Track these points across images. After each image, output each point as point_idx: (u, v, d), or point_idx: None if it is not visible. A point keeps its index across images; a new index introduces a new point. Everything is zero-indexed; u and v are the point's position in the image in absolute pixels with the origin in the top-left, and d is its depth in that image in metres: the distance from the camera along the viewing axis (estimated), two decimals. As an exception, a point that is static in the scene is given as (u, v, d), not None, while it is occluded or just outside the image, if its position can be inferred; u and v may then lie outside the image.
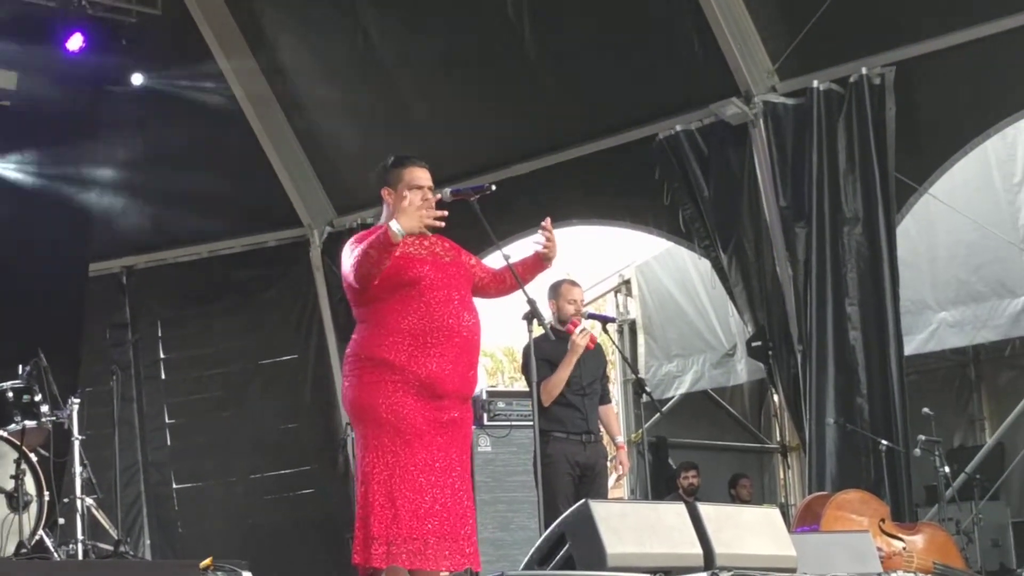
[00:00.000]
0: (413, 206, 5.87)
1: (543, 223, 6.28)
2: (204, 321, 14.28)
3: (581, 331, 8.29)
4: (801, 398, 10.92)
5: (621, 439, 8.85)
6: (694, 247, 11.93)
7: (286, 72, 13.71)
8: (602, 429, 8.66)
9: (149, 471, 14.02)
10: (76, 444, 9.35)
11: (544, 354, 8.16)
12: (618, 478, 8.94)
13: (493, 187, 6.30)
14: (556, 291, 8.57)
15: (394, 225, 5.74)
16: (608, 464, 8.67)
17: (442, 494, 5.84)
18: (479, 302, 6.19)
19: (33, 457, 8.78)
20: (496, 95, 12.74)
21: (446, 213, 5.96)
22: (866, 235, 10.75)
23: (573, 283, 8.70)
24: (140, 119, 13.18)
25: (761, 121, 11.11)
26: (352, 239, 6.02)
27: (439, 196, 6.13)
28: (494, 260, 6.64)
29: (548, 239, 6.26)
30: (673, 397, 15.51)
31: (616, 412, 10.10)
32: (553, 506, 7.79)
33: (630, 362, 15.11)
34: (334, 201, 13.98)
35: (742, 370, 15.01)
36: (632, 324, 15.86)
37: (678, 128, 11.59)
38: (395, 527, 5.73)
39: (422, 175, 6.09)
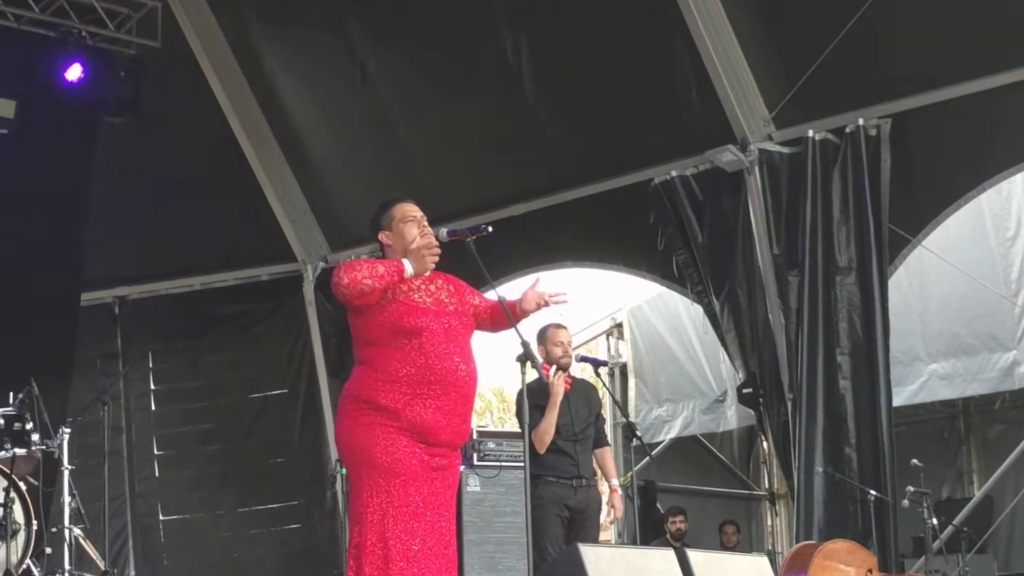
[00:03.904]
0: (419, 246, 5.95)
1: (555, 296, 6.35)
2: (195, 353, 14.24)
3: (556, 374, 8.31)
4: (790, 446, 10.92)
5: (616, 482, 8.82)
6: (687, 292, 11.94)
7: (283, 107, 13.75)
8: (598, 471, 8.63)
9: (136, 502, 13.96)
10: (65, 473, 9.32)
11: (535, 399, 8.13)
12: (610, 520, 8.89)
13: (490, 228, 6.29)
14: (543, 336, 8.53)
15: (407, 265, 5.89)
16: (604, 504, 8.64)
17: (431, 538, 5.84)
18: (475, 345, 6.20)
19: (22, 486, 8.77)
20: (493, 136, 12.78)
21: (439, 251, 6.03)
22: (858, 285, 10.78)
23: (559, 326, 8.69)
24: (137, 150, 13.16)
25: (756, 169, 11.13)
26: (351, 262, 6.05)
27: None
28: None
29: (550, 301, 6.32)
30: (662, 441, 15.47)
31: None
32: (540, 548, 7.79)
33: (620, 405, 15.10)
34: (328, 237, 13.98)
35: (732, 416, 14.99)
36: (623, 367, 15.84)
37: (674, 173, 11.62)
38: (386, 569, 5.73)
39: (412, 208, 6.15)
